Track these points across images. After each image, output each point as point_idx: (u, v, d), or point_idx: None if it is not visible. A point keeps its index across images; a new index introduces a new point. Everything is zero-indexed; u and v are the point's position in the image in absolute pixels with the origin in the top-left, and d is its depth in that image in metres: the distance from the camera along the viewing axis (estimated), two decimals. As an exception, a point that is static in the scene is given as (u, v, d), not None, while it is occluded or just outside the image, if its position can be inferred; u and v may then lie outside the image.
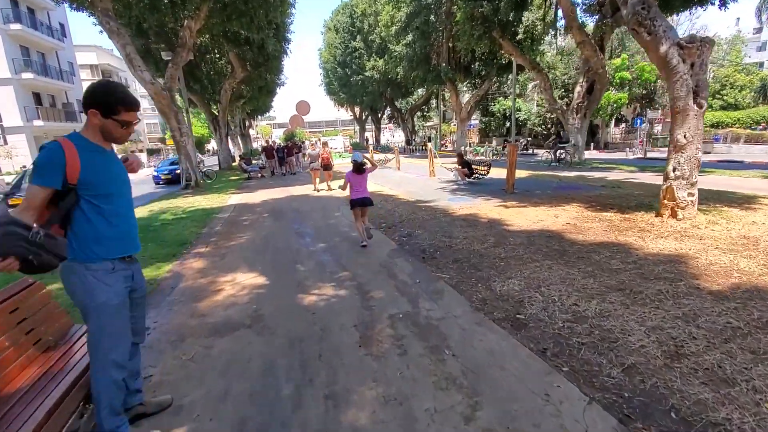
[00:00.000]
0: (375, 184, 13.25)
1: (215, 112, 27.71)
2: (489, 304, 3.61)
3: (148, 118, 58.75)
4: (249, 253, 5.94)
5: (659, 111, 27.45)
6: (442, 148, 38.18)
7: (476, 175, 11.95)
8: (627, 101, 32.92)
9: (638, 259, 4.49)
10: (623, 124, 38.82)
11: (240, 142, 43.84)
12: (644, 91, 33.89)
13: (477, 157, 24.63)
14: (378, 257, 5.33)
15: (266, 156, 19.69)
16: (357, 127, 59.98)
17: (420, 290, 4.06)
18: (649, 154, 25.03)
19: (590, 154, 29.01)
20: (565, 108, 20.16)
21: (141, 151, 48.56)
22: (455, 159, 12.60)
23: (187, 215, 9.68)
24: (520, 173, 14.10)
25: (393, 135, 69.28)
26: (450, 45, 28.75)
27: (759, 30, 56.17)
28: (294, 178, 16.88)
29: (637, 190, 9.18)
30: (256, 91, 32.62)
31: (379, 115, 51.08)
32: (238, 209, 10.18)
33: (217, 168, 28.18)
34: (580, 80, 19.28)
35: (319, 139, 39.98)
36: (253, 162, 21.34)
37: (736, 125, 28.41)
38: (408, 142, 41.17)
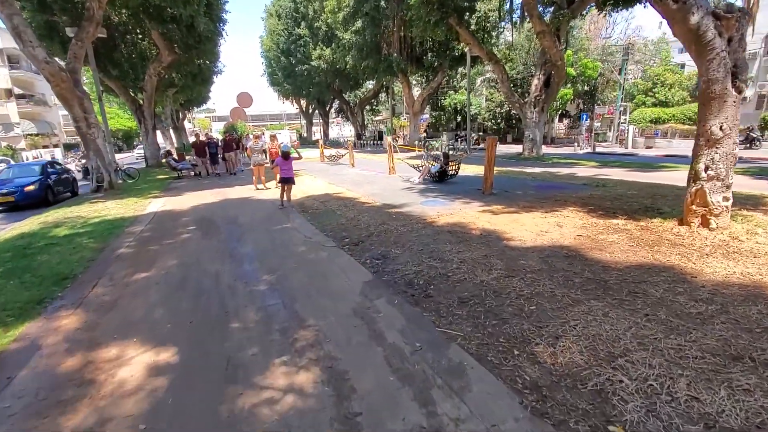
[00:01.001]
0: (329, 184, 11.54)
1: (140, 101, 24.29)
2: (550, 400, 2.18)
3: (64, 109, 51.90)
4: (157, 296, 4.09)
5: (606, 107, 28.00)
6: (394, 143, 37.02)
7: (450, 173, 10.63)
8: (572, 97, 33.69)
9: (709, 294, 3.29)
10: (566, 120, 39.93)
11: (173, 135, 39.70)
12: (587, 88, 34.89)
13: (434, 153, 23.53)
14: (349, 296, 3.73)
15: (196, 153, 16.04)
16: (304, 121, 57.25)
17: (427, 368, 2.54)
18: (597, 149, 25.43)
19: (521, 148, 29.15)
20: (522, 101, 19.57)
21: (56, 146, 42.48)
22: (412, 154, 11.19)
23: (87, 229, 7.42)
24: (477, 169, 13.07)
25: (341, 129, 67.20)
26: (401, 34, 27.43)
27: (679, 33, 60.71)
28: (233, 178, 14.63)
29: (624, 189, 8.31)
30: (190, 79, 29.35)
31: (327, 108, 48.85)
32: (158, 220, 8.05)
33: (143, 165, 24.83)
34: (537, 73, 18.74)
35: (263, 132, 37.20)
36: (187, 158, 18.60)
37: (671, 121, 29.87)
38: (358, 136, 39.48)
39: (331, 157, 18.48)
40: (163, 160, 19.68)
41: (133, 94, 24.54)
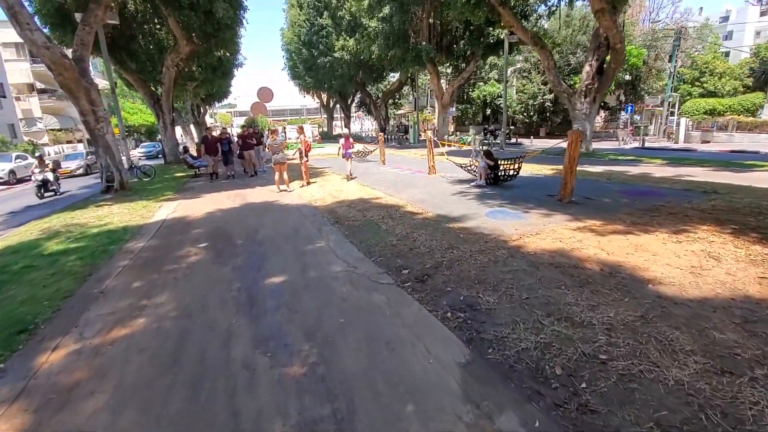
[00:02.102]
0: (362, 186, 10.01)
1: (158, 94, 23.31)
2: None
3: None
4: (136, 377, 2.62)
5: (658, 99, 25.53)
6: (421, 138, 35.21)
7: (504, 176, 8.91)
8: (613, 88, 31.15)
9: None
10: (604, 112, 37.20)
11: (193, 131, 38.97)
12: (629, 77, 32.21)
13: (465, 148, 21.69)
14: (445, 401, 2.18)
15: (206, 151, 13.45)
16: (325, 116, 56.00)
17: None
18: (646, 144, 23.10)
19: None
20: (571, 91, 17.56)
21: (80, 141, 42.36)
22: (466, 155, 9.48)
23: (80, 244, 6.11)
24: (531, 168, 11.30)
25: (362, 123, 65.61)
26: (431, 21, 25.60)
27: (725, 19, 56.74)
28: (254, 178, 13.27)
29: (750, 196, 6.43)
30: (210, 72, 28.41)
31: (349, 102, 47.37)
32: (165, 231, 6.69)
33: (162, 162, 23.93)
34: (590, 58, 16.68)
35: (284, 128, 35.97)
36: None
37: (728, 113, 27.13)
38: (382, 130, 37.84)
39: (358, 153, 16.95)
40: (181, 157, 18.55)
41: (153, 88, 23.59)
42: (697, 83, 36.79)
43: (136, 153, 30.33)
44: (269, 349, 2.86)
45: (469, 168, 9.74)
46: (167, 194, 10.85)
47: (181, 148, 21.61)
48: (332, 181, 11.19)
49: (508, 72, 42.86)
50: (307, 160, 10.57)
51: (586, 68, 16.79)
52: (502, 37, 23.65)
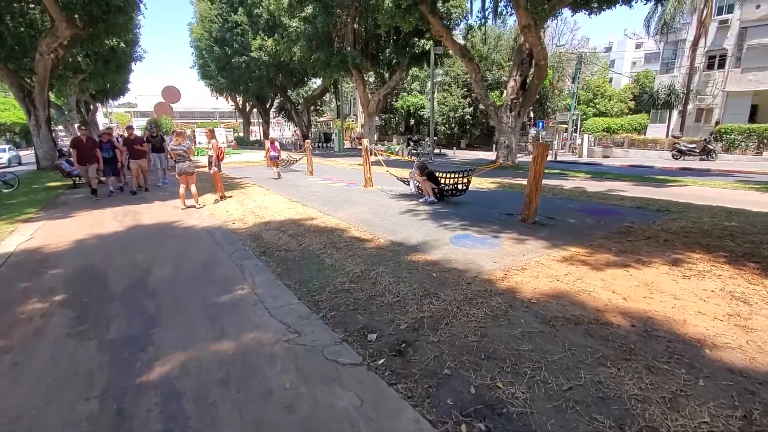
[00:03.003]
0: (292, 201, 8.48)
1: (28, 86, 19.14)
2: None
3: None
4: None
5: (568, 116, 27.45)
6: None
7: (451, 191, 8.06)
8: (526, 104, 33.17)
9: None
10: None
11: (78, 132, 33.24)
12: (537, 96, 34.62)
13: (393, 158, 21.01)
14: None
15: (78, 158, 9.77)
16: (240, 120, 52.25)
17: None
18: (558, 158, 24.65)
19: (490, 155, 27.98)
20: (497, 105, 17.77)
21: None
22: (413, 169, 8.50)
23: None
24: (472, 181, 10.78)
25: (282, 130, 62.56)
26: (356, 27, 24.72)
27: (608, 49, 64.71)
28: (150, 192, 10.91)
29: (711, 217, 6.22)
30: (101, 65, 24.43)
31: (268, 106, 44.58)
32: (7, 272, 4.58)
33: (35, 167, 19.68)
34: (514, 73, 17.02)
35: (194, 131, 32.25)
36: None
37: (621, 131, 30.31)
38: (304, 137, 35.97)
39: (283, 162, 15.20)
40: (55, 163, 15.05)
41: (27, 79, 19.29)
42: (591, 104, 40.85)
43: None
44: None
45: (406, 180, 8.78)
46: (28, 212, 8.22)
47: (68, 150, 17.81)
48: (254, 195, 9.46)
49: (429, 85, 43.99)
50: (217, 171, 8.76)
51: (511, 83, 17.09)
52: (427, 48, 23.62)
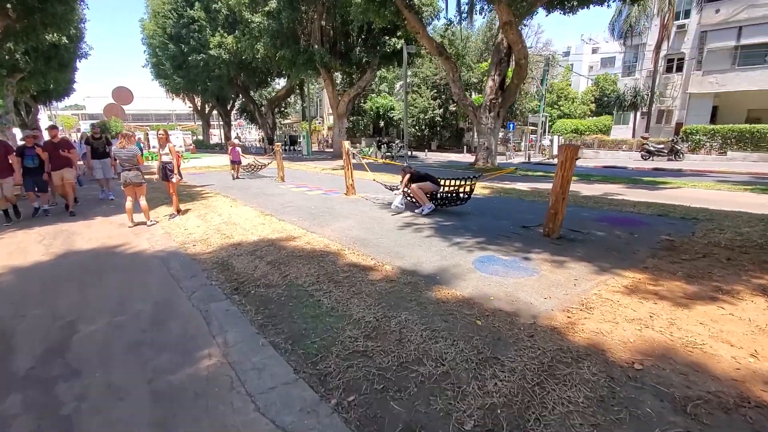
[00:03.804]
0: (265, 215, 7.20)
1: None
2: None
3: None
4: None
5: (539, 117, 27.42)
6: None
7: (449, 199, 7.09)
8: (495, 105, 33.07)
9: None
10: (485, 129, 39.48)
11: (19, 135, 29.84)
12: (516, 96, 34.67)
13: (366, 160, 19.97)
14: None
15: None
16: (199, 122, 49.42)
17: None
18: (532, 159, 24.50)
19: (462, 157, 27.60)
20: (476, 105, 17.12)
21: None
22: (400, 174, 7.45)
23: None
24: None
25: (244, 132, 59.89)
26: (323, 23, 23.48)
27: (567, 54, 66.80)
28: (89, 208, 9.27)
29: (743, 224, 5.61)
30: (42, 63, 22.00)
31: (229, 108, 42.30)
32: None
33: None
34: (492, 73, 16.41)
35: (146, 134, 29.72)
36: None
37: (588, 132, 30.77)
38: (269, 140, 34.21)
39: (249, 167, 13.76)
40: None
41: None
42: (555, 106, 41.54)
43: None
44: None
45: (396, 189, 7.74)
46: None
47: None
48: (218, 207, 8.09)
49: (397, 86, 43.26)
50: (180, 179, 7.35)
51: (489, 83, 16.48)
52: (399, 47, 22.75)
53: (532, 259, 4.33)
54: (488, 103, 16.39)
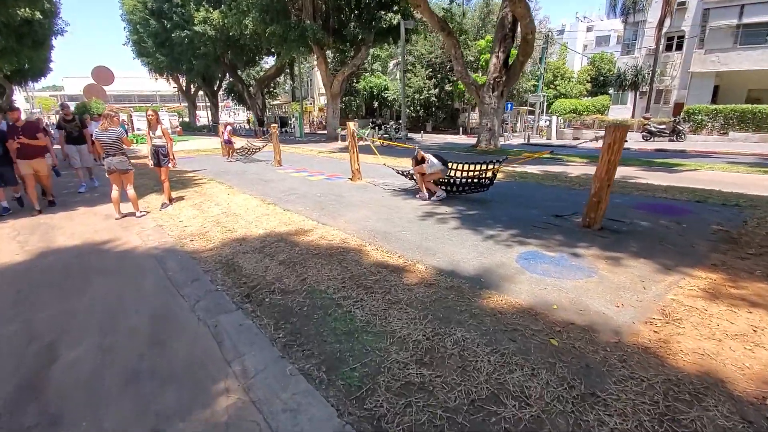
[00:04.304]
0: (268, 204, 6.57)
1: None
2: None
3: None
4: None
5: (540, 97, 26.74)
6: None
7: (468, 186, 6.53)
8: (492, 85, 32.25)
9: None
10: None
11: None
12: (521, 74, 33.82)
13: (361, 142, 19.22)
14: None
15: None
16: (185, 103, 47.69)
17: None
18: (531, 140, 23.97)
19: (459, 138, 26.98)
20: (479, 84, 16.40)
21: None
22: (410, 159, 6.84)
23: None
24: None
25: (232, 114, 58.04)
26: (315, -2, 22.27)
27: (561, 32, 65.73)
28: (72, 197, 8.52)
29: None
30: (14, 40, 20.64)
31: (216, 88, 40.73)
32: None
33: None
34: (496, 50, 15.64)
35: (130, 115, 28.36)
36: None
37: (586, 113, 30.23)
38: (260, 122, 33.07)
39: (243, 150, 12.99)
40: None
41: None
42: (551, 85, 40.80)
43: None
44: None
45: (406, 173, 7.15)
46: None
47: None
48: (214, 195, 7.42)
49: (391, 65, 42.01)
50: (174, 163, 6.65)
51: (493, 60, 15.73)
52: (395, 22, 21.74)
53: (583, 256, 3.82)
54: (492, 82, 15.69)
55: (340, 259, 3.93)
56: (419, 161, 6.39)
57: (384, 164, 7.86)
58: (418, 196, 6.51)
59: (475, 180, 6.39)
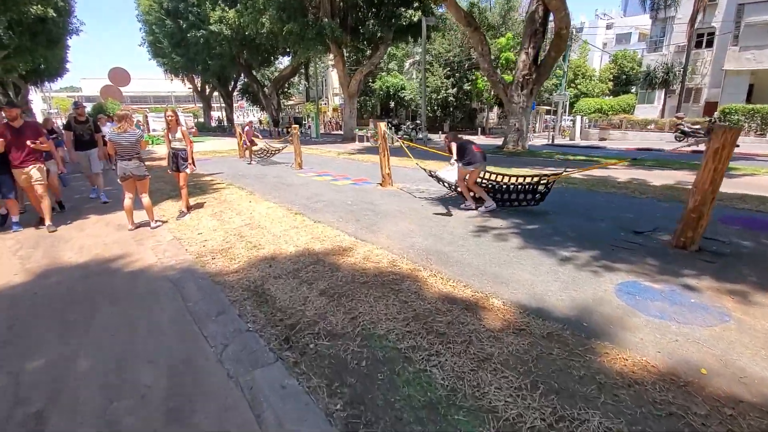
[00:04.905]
0: (295, 214, 5.91)
1: None
2: None
3: None
4: None
5: (565, 96, 25.71)
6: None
7: (523, 196, 5.77)
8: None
9: None
10: (498, 109, 37.66)
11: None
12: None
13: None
14: None
15: None
16: (200, 104, 47.66)
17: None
18: (555, 141, 23.00)
19: (478, 139, 26.10)
20: (506, 82, 15.60)
21: None
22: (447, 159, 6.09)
23: None
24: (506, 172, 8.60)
25: (245, 115, 57.89)
26: (333, -5, 21.66)
27: (580, 29, 64.18)
28: (83, 204, 7.99)
29: None
30: (28, 39, 20.42)
31: (230, 89, 40.50)
32: None
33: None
34: (525, 46, 14.82)
35: (146, 116, 28.20)
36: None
37: (611, 112, 29.08)
38: (275, 122, 32.65)
39: (261, 152, 12.42)
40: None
41: None
42: (572, 84, 39.61)
43: None
44: None
45: (443, 181, 6.40)
46: None
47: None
48: (235, 202, 6.80)
49: (407, 64, 41.27)
50: (194, 168, 6.05)
51: (522, 57, 14.91)
52: (415, 19, 21.03)
53: (698, 289, 3.07)
54: (521, 80, 14.88)
55: (395, 289, 3.23)
56: (461, 155, 5.59)
57: (417, 164, 7.04)
58: (462, 206, 5.80)
59: (529, 190, 5.63)
